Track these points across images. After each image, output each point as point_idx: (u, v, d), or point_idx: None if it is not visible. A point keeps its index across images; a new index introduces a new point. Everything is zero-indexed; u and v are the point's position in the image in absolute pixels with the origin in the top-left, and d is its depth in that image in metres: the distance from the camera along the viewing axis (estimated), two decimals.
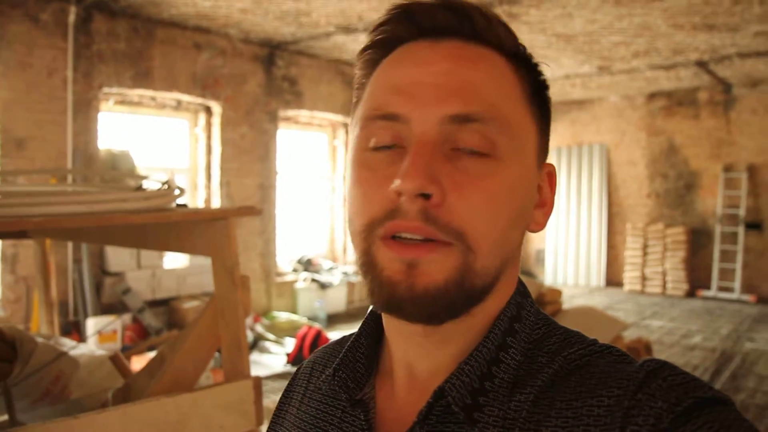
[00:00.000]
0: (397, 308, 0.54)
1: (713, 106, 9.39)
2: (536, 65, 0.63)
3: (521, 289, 0.63)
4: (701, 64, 7.81)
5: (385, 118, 0.56)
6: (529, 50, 0.62)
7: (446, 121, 0.54)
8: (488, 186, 0.54)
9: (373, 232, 0.54)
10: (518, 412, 0.54)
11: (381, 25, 0.61)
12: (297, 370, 0.78)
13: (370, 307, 0.64)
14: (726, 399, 0.50)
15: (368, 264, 0.55)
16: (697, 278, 9.53)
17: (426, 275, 0.52)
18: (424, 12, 0.58)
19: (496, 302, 0.60)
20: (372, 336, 0.67)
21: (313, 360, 0.76)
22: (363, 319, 0.68)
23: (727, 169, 9.29)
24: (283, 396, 0.76)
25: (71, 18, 5.53)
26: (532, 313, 0.62)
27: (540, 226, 0.63)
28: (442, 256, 0.53)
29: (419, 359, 0.61)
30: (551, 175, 0.64)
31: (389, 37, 0.60)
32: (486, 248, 0.54)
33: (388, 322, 0.63)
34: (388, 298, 0.54)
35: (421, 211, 0.52)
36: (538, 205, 0.63)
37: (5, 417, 1.96)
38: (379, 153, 0.56)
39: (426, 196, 0.52)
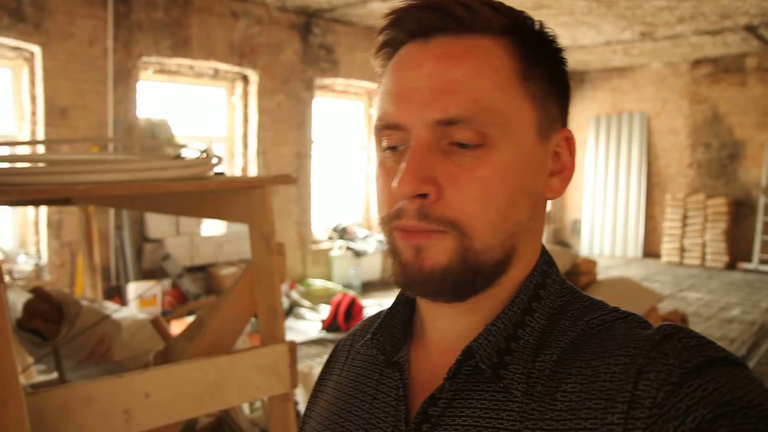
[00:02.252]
0: (410, 286, 0.61)
1: (762, 72, 9.07)
2: (541, 34, 0.63)
3: (546, 259, 0.67)
4: (750, 29, 7.52)
5: (388, 128, 0.62)
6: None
7: (434, 125, 0.58)
8: (481, 174, 0.58)
9: (388, 225, 0.62)
10: (542, 371, 0.58)
11: (381, 30, 0.65)
12: (338, 343, 0.83)
13: None
14: (739, 361, 0.52)
15: (391, 250, 0.63)
16: (737, 250, 9.32)
17: (430, 258, 0.59)
18: (409, 16, 0.62)
19: (519, 271, 0.64)
20: (408, 304, 0.72)
21: (353, 332, 0.82)
22: (399, 290, 0.72)
23: None
24: (324, 367, 0.82)
25: None
26: (557, 282, 0.66)
27: (557, 192, 0.65)
28: (438, 240, 0.59)
29: (449, 326, 0.65)
30: (569, 140, 0.66)
31: (389, 40, 0.65)
32: (483, 229, 0.59)
33: None
34: (403, 277, 0.61)
35: (418, 209, 0.58)
36: (555, 172, 0.65)
37: (54, 375, 2.06)
38: (391, 154, 0.63)
39: (423, 196, 0.58)
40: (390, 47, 0.65)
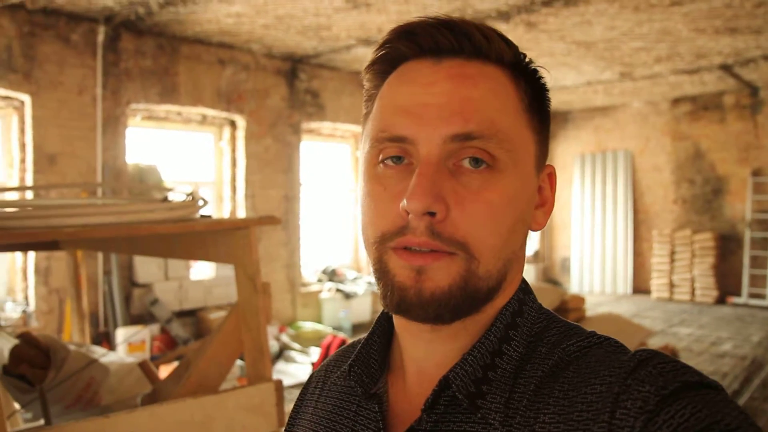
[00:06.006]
0: (406, 310, 0.59)
1: (740, 109, 9.27)
2: (536, 72, 0.66)
3: (523, 286, 0.67)
4: (726, 68, 7.73)
5: (392, 140, 0.60)
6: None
7: (449, 140, 0.58)
8: (489, 198, 0.58)
9: (385, 244, 0.59)
10: (520, 401, 0.57)
11: (385, 43, 0.64)
12: (311, 376, 0.82)
13: (382, 309, 0.68)
14: (715, 384, 0.52)
15: (381, 271, 0.60)
16: (726, 285, 9.37)
17: (432, 280, 0.57)
18: (425, 33, 0.61)
19: (502, 299, 0.64)
20: (384, 335, 0.71)
21: (327, 363, 0.80)
22: (376, 320, 0.72)
23: (756, 173, 9.15)
24: (299, 398, 0.80)
25: (100, 37, 5.70)
26: (533, 308, 0.66)
27: (540, 225, 0.67)
28: (446, 263, 0.57)
29: (428, 354, 0.64)
30: (551, 176, 0.68)
31: (393, 55, 0.64)
32: (488, 254, 0.59)
33: (398, 320, 0.67)
34: (398, 301, 0.59)
35: (427, 227, 0.57)
36: (539, 205, 0.67)
37: (41, 422, 2.04)
38: (389, 169, 0.61)
39: (432, 214, 0.56)
40: (390, 61, 0.64)
